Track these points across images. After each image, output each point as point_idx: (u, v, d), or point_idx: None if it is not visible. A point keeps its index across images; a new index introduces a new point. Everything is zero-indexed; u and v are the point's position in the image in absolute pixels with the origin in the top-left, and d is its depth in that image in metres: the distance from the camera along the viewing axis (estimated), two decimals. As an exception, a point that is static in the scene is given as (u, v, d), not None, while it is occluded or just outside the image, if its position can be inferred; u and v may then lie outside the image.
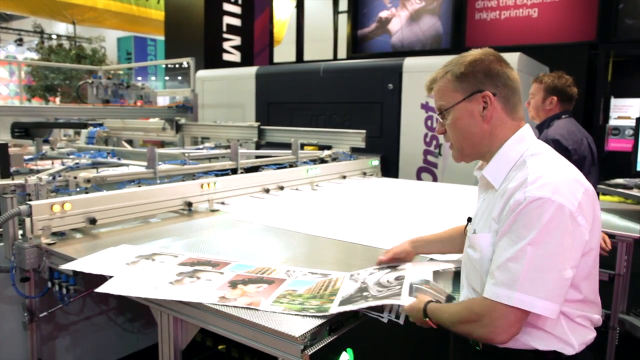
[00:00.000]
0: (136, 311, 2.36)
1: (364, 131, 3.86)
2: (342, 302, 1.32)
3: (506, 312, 1.07)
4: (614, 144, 5.20)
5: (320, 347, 1.13)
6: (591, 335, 1.19)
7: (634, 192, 2.97)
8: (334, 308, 1.29)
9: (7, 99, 15.11)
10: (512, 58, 3.70)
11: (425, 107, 4.13)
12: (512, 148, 1.25)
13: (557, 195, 1.07)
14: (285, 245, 1.96)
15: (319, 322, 1.19)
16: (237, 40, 6.92)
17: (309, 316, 1.24)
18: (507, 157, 1.24)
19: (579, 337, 1.16)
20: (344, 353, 1.21)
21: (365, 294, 1.37)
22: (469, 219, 1.40)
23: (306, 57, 8.71)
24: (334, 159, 3.76)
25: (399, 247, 1.65)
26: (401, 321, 1.22)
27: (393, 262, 1.62)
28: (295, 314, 1.25)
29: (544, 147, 1.26)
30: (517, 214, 1.09)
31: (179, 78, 17.15)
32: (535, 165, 1.16)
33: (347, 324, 1.26)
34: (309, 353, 1.11)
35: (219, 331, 1.29)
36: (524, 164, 1.19)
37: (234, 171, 3.05)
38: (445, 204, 2.88)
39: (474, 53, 1.29)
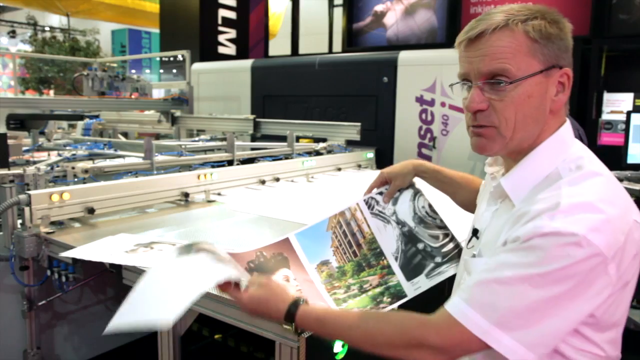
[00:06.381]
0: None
1: (359, 124, 3.88)
2: (408, 273, 1.12)
3: (468, 339, 0.84)
4: (606, 138, 5.23)
5: (316, 330, 1.16)
6: None
7: (625, 184, 3.03)
8: (407, 287, 1.11)
9: (0, 92, 15.02)
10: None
11: (419, 100, 4.16)
12: (546, 154, 0.95)
13: (595, 234, 0.80)
14: (280, 235, 1.98)
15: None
16: (232, 33, 6.91)
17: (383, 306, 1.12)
18: (538, 167, 0.94)
19: None
20: (339, 336, 1.24)
21: (420, 246, 1.14)
22: (475, 231, 1.08)
23: (301, 51, 8.70)
24: (329, 152, 3.78)
25: (397, 168, 1.33)
26: (395, 306, 1.25)
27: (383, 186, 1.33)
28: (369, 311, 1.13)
29: (588, 159, 0.94)
30: (534, 240, 0.82)
31: (174, 71, 17.09)
32: (573, 188, 0.86)
33: (342, 308, 1.28)
34: (306, 336, 1.14)
35: (217, 316, 1.32)
36: (558, 179, 0.90)
37: (230, 162, 3.08)
38: (440, 197, 2.90)
39: (545, 8, 0.94)
